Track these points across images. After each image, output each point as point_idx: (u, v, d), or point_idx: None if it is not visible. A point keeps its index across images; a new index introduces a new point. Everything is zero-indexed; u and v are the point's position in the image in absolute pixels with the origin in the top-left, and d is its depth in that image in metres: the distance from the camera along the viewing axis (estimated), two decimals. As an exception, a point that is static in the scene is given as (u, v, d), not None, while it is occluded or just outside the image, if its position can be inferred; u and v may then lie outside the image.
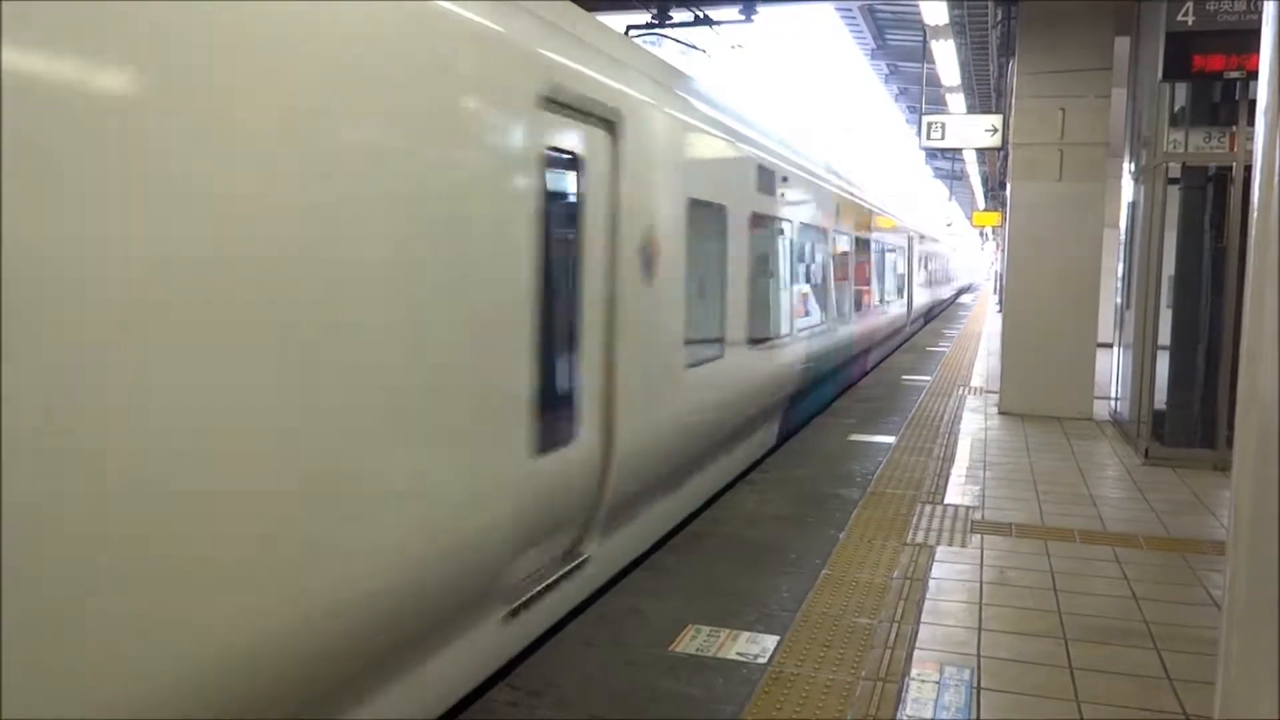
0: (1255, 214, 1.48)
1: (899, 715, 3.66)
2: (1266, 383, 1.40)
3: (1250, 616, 1.43)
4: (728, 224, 7.03)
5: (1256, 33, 1.56)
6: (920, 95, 15.90)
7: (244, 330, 2.55)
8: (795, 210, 9.32)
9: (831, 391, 12.27)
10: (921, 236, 24.66)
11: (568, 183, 4.55)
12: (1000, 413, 10.61)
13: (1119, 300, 10.81)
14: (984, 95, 19.63)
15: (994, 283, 41.08)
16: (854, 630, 4.45)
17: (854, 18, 17.00)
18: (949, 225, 43.94)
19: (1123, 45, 10.24)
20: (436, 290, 3.36)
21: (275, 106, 2.64)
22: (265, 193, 2.61)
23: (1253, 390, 1.44)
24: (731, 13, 11.67)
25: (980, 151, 21.37)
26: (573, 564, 4.70)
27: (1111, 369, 10.77)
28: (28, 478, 2.01)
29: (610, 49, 5.11)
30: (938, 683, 3.93)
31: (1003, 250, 18.46)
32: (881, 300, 16.18)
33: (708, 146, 6.64)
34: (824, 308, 11.12)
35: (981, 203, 37.12)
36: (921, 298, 25.10)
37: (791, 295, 9.37)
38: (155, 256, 2.29)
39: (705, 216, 6.50)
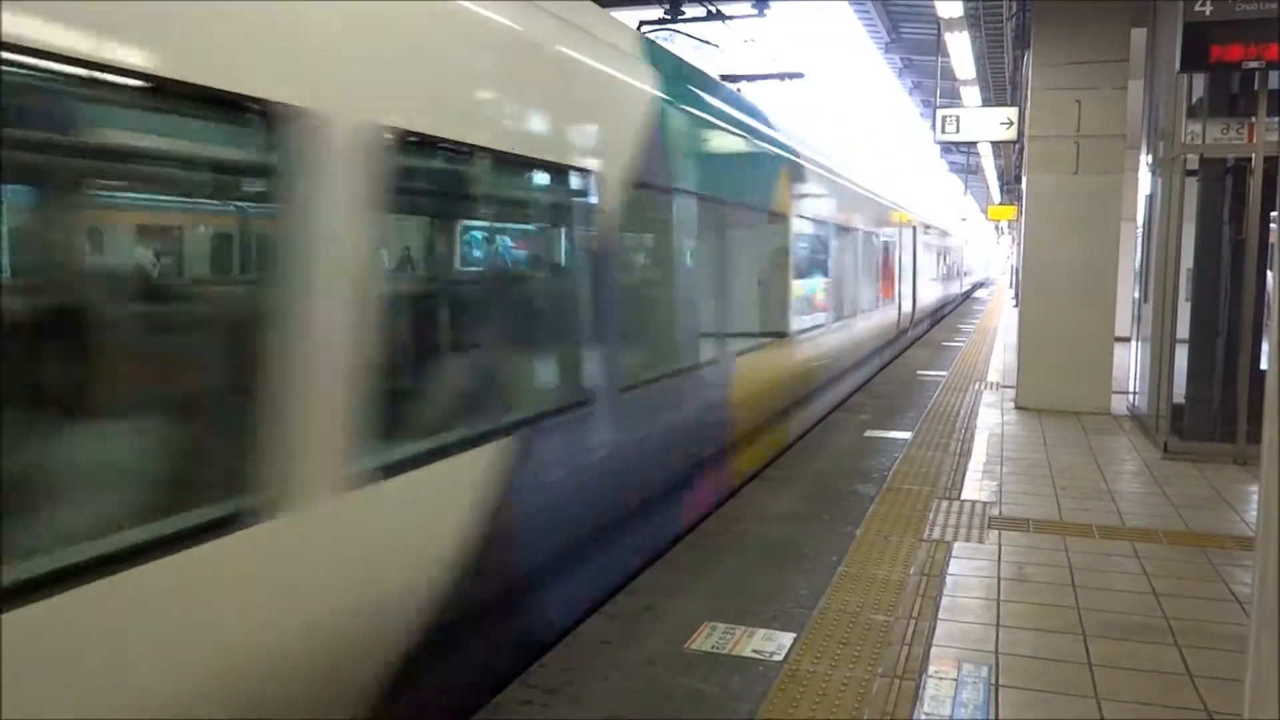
0: (1282, 204, 1.45)
1: (916, 713, 3.63)
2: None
3: (1280, 616, 1.40)
4: None
5: (1275, 22, 1.53)
6: (935, 89, 15.80)
7: None
8: None
9: None
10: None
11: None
12: (1017, 407, 10.54)
13: (1136, 294, 10.73)
14: (999, 88, 19.50)
15: (1010, 277, 40.88)
16: (871, 627, 4.42)
17: (867, 11, 16.91)
18: (963, 220, 43.71)
19: (1139, 36, 10.15)
20: None
21: None
22: None
23: (1280, 385, 1.41)
24: (744, 7, 11.63)
25: (995, 145, 21.24)
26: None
27: (1129, 363, 10.69)
28: None
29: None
30: (955, 680, 3.90)
31: (1019, 244, 18.34)
32: None
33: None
34: None
35: (997, 196, 36.94)
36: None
37: None
38: None
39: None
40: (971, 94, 16.99)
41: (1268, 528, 1.47)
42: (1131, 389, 10.47)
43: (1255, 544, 1.53)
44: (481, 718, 3.74)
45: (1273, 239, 7.80)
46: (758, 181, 8.03)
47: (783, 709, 3.64)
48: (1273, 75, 7.78)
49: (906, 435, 9.05)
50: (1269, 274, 7.86)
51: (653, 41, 6.30)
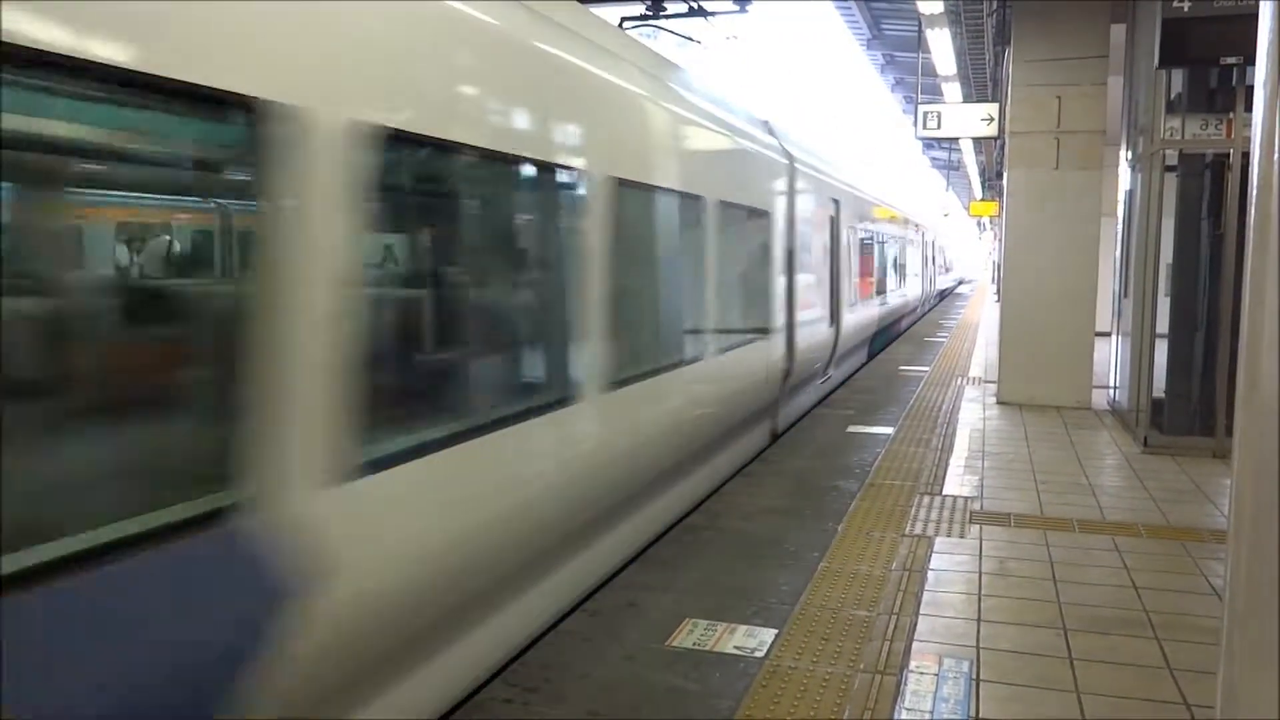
0: (1254, 198, 1.45)
1: (897, 709, 3.63)
2: (1266, 372, 1.37)
3: (1252, 611, 1.40)
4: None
5: (1253, 18, 1.52)
6: (916, 85, 15.82)
7: None
8: None
9: None
10: None
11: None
12: (999, 403, 10.58)
13: (1116, 289, 10.78)
14: (980, 84, 19.55)
15: (992, 272, 41.05)
16: (852, 623, 4.42)
17: (849, 8, 16.93)
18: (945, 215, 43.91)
19: (1119, 32, 10.19)
20: None
21: None
22: None
23: (1253, 380, 1.41)
24: (726, 4, 11.60)
25: (977, 141, 21.31)
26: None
27: (1110, 358, 10.75)
28: None
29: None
30: (936, 675, 3.90)
31: (1000, 240, 18.46)
32: None
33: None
34: None
35: (979, 192, 37.06)
36: None
37: None
38: None
39: None
40: (953, 90, 17.02)
41: (1239, 524, 1.47)
42: (1112, 384, 10.52)
43: (1227, 539, 1.53)
44: (462, 716, 3.73)
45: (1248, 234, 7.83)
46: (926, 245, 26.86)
47: (764, 706, 3.64)
48: (1250, 70, 7.83)
49: (889, 431, 9.07)
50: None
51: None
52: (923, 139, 15.84)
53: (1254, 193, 1.45)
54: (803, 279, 9.54)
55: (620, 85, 5.24)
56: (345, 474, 2.91)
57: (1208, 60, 7.76)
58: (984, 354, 15.25)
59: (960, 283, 52.74)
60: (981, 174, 32.59)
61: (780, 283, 8.71)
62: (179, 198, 3.26)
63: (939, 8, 11.74)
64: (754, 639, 4.29)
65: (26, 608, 2.03)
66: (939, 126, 13.43)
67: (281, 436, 2.68)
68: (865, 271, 14.66)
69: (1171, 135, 8.34)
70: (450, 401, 3.75)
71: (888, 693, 3.75)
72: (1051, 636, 4.31)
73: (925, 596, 4.77)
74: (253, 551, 2.61)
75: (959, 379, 12.74)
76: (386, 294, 3.51)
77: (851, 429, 9.34)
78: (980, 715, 3.59)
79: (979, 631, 4.35)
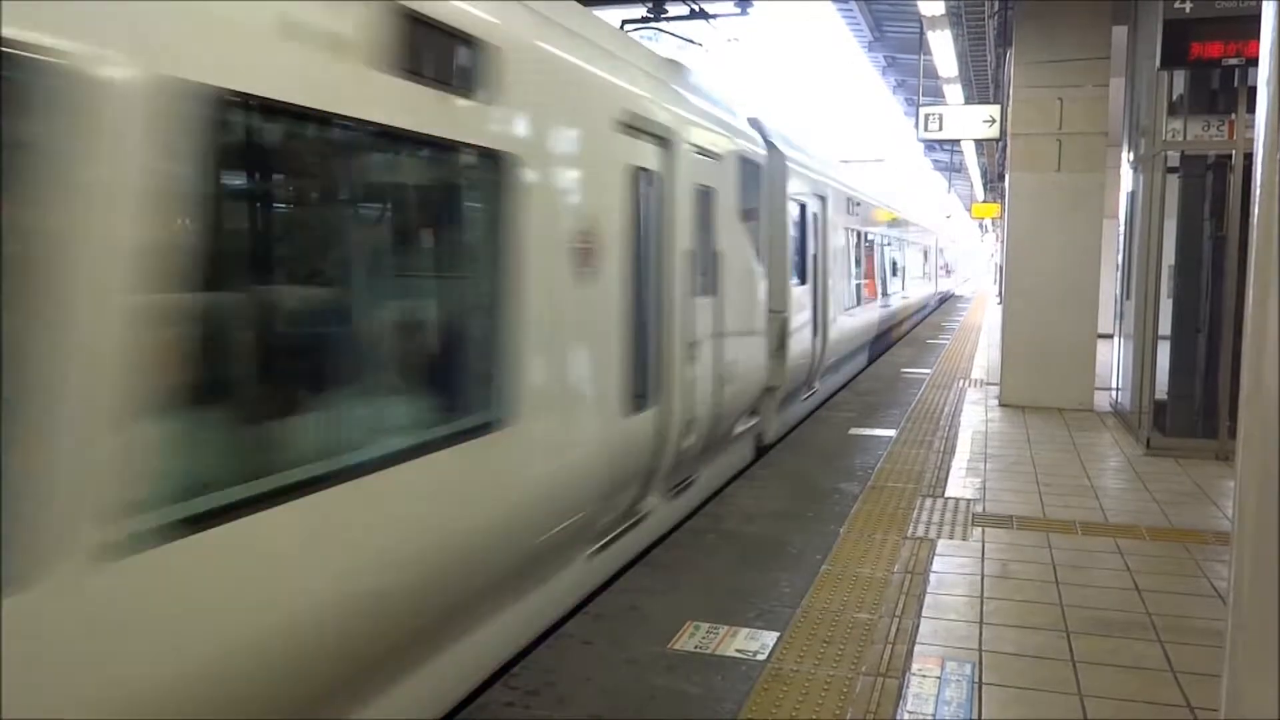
0: (1258, 198, 1.45)
1: (900, 712, 3.62)
2: (1270, 374, 1.36)
3: (1255, 613, 1.39)
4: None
5: (1255, 19, 1.52)
6: (918, 87, 15.81)
7: None
8: None
9: None
10: None
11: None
12: (1001, 405, 10.57)
13: (1119, 290, 10.77)
14: (982, 86, 19.53)
15: (994, 275, 41.03)
16: (854, 626, 4.41)
17: (851, 10, 16.92)
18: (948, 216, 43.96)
19: (1120, 34, 10.18)
20: None
21: None
22: None
23: (1256, 381, 1.40)
24: (727, 5, 11.60)
25: (979, 143, 21.29)
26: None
27: (1112, 359, 10.74)
28: None
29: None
30: (939, 678, 3.89)
31: (1002, 242, 18.43)
32: None
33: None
34: None
35: (980, 194, 37.04)
36: None
37: None
38: None
39: None
40: (954, 92, 17.00)
41: (1242, 526, 1.46)
42: (1114, 385, 10.51)
43: (1230, 541, 1.53)
44: (465, 718, 3.72)
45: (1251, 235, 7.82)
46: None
47: (766, 709, 3.63)
48: (1252, 72, 7.82)
49: (891, 433, 9.06)
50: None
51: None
52: (924, 141, 15.83)
53: (1256, 194, 1.45)
54: None
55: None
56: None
57: (1209, 61, 7.75)
58: (986, 355, 15.24)
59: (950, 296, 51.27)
60: (983, 176, 32.58)
61: None
62: None
63: (940, 9, 11.73)
64: (756, 642, 4.28)
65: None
66: (940, 128, 13.41)
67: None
68: None
69: (1173, 137, 8.34)
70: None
71: (890, 696, 3.74)
72: (1054, 639, 4.30)
73: (927, 599, 4.76)
74: None
75: (961, 381, 12.73)
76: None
77: (853, 431, 9.33)
78: (983, 718, 3.59)
79: (981, 634, 4.34)
